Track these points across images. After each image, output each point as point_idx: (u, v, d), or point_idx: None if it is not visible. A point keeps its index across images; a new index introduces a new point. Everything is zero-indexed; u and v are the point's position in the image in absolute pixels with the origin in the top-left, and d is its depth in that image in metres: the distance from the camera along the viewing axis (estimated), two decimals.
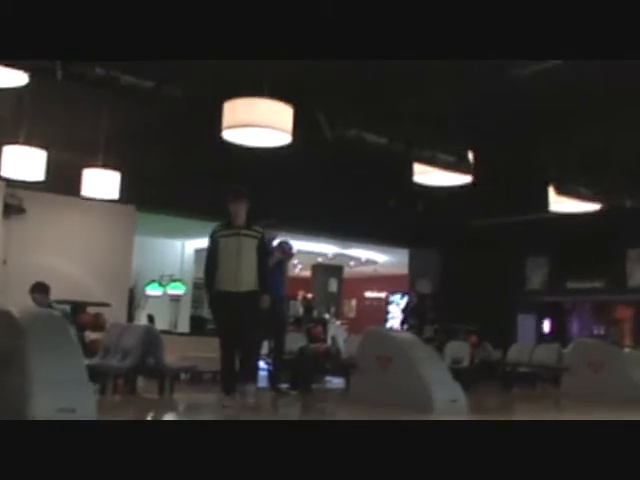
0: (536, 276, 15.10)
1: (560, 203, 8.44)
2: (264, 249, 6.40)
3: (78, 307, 7.80)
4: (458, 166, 7.54)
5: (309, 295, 14.92)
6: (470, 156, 7.64)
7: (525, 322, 14.43)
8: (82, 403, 4.58)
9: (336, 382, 9.77)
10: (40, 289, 7.40)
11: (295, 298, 14.15)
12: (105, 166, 8.57)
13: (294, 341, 8.73)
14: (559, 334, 14.09)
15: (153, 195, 10.85)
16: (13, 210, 10.52)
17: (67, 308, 7.51)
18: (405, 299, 18.41)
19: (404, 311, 18.09)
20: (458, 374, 7.63)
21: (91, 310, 8.23)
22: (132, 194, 9.31)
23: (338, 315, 17.65)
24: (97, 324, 7.58)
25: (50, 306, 7.01)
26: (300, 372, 8.24)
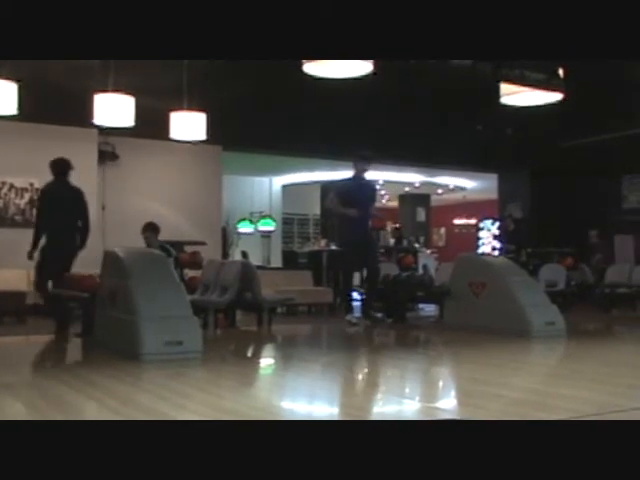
0: (633, 194, 14.51)
1: None
2: None
3: (176, 246, 8.05)
4: (548, 83, 7.26)
5: (398, 225, 14.87)
6: (560, 72, 7.33)
7: (623, 242, 13.94)
8: (188, 336, 4.82)
9: (429, 309, 9.82)
10: (152, 229, 7.69)
11: (384, 228, 14.14)
12: (191, 109, 8.74)
13: (386, 270, 8.78)
14: None
15: (238, 134, 10.97)
16: (107, 157, 10.86)
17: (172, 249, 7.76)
18: (496, 225, 18.10)
19: (497, 237, 17.81)
20: (554, 297, 7.53)
21: (188, 249, 8.49)
22: (218, 134, 9.46)
23: (427, 244, 17.55)
24: (195, 262, 7.81)
25: (162, 247, 7.24)
26: (393, 300, 8.32)
